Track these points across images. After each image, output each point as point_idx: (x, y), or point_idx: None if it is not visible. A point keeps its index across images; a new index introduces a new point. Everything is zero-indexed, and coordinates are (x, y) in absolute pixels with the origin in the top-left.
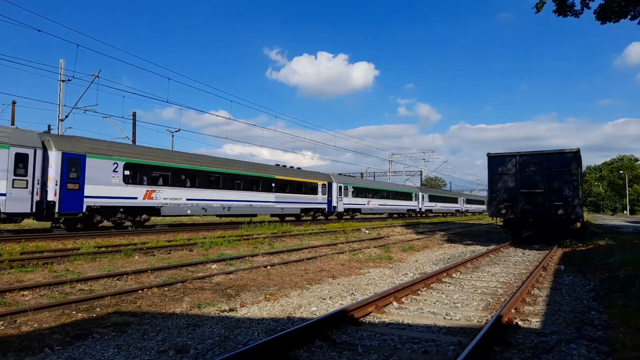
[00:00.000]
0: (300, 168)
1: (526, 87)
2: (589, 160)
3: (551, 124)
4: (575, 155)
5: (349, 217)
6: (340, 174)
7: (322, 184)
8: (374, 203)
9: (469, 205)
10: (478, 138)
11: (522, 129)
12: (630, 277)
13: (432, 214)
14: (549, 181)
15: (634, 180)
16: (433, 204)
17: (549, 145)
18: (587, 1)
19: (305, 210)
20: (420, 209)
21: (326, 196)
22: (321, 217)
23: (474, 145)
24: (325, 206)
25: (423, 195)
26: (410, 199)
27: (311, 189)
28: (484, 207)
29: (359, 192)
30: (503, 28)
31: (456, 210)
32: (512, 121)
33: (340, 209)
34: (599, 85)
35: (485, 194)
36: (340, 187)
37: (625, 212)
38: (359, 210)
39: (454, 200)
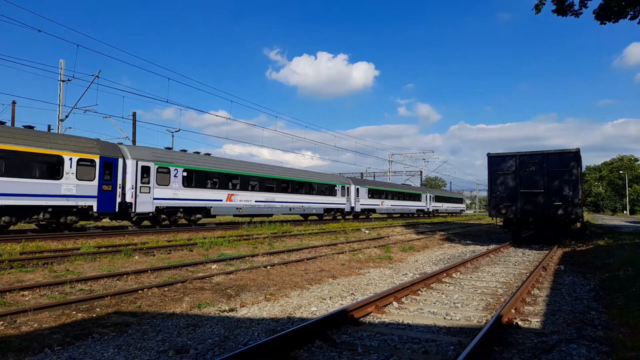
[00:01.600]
0: (32, 127)
1: (526, 87)
2: (589, 160)
3: (551, 124)
4: (575, 155)
5: (188, 222)
6: (169, 148)
7: (86, 161)
8: (245, 198)
9: (439, 204)
10: (478, 138)
11: (521, 129)
12: (630, 277)
13: (375, 215)
14: (549, 181)
15: (634, 180)
16: (376, 201)
17: (549, 145)
18: (585, 1)
19: (19, 210)
20: (352, 207)
21: (95, 182)
22: (92, 225)
23: (474, 145)
24: (93, 203)
25: (358, 189)
26: (331, 194)
27: (42, 170)
28: (462, 206)
29: (203, 178)
30: (503, 28)
31: (418, 210)
32: (512, 121)
33: (146, 208)
34: (599, 85)
35: (461, 191)
36: (146, 169)
37: (625, 212)
38: (203, 210)
39: (414, 197)
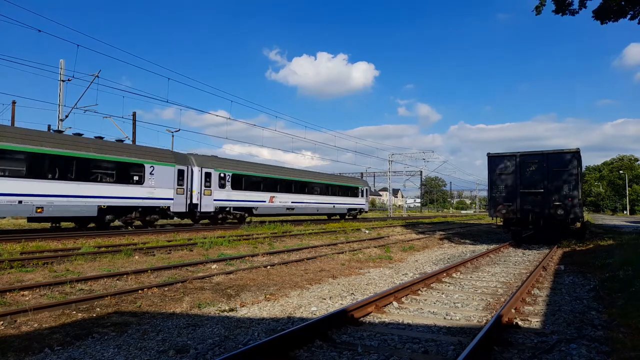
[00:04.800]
0: None
1: (525, 88)
2: (589, 160)
3: (550, 124)
4: (575, 155)
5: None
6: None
7: (361, 190)
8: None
9: (281, 197)
10: (478, 138)
11: (521, 129)
12: (630, 277)
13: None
14: (549, 181)
15: (634, 180)
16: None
17: (549, 145)
18: (584, 0)
19: None
20: None
21: (359, 199)
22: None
23: (474, 145)
24: (365, 206)
25: None
26: None
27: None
28: (358, 202)
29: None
30: (502, 29)
31: (147, 209)
32: (512, 121)
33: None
34: (598, 85)
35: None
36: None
37: (625, 212)
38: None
39: (120, 172)
